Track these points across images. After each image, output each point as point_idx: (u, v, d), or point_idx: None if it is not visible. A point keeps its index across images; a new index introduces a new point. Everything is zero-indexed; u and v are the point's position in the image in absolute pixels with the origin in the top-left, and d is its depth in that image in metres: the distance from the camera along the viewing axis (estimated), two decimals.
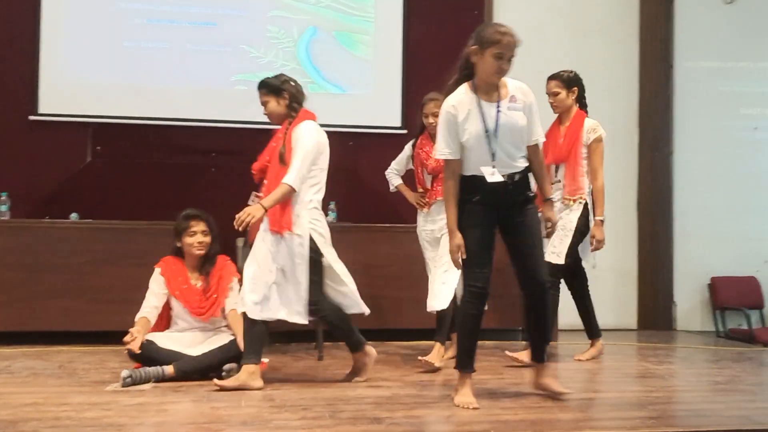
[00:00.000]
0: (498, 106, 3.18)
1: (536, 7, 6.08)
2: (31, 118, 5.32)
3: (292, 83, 3.85)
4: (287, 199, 3.55)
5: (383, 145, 5.67)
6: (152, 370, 3.54)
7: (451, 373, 3.79)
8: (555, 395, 3.28)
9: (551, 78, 4.42)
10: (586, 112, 4.43)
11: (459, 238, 3.17)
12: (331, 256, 3.67)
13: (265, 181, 3.72)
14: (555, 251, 4.21)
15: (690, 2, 6.26)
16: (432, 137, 4.37)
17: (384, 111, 5.72)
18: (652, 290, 6.08)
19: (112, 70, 5.41)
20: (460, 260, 3.17)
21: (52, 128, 5.35)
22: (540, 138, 3.32)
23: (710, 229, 6.18)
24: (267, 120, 5.49)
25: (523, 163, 3.24)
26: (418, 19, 5.78)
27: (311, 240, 3.58)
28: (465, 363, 3.21)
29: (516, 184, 3.21)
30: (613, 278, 5.85)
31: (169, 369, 3.56)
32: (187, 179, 5.49)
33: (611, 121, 6.12)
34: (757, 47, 6.31)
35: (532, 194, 3.30)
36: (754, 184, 6.24)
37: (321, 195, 3.71)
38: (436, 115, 4.30)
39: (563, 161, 4.34)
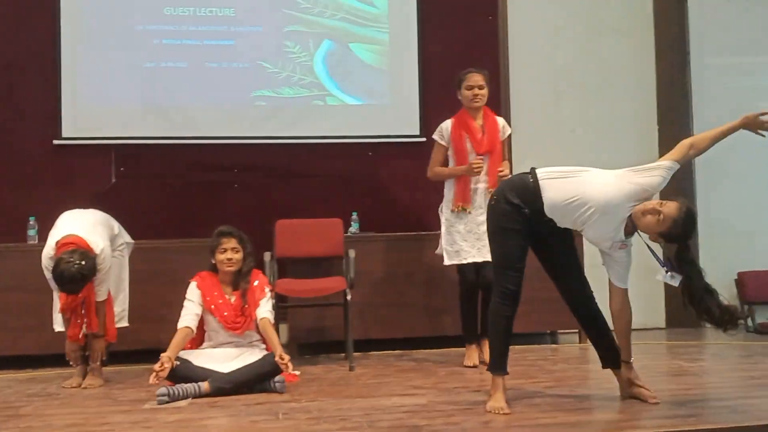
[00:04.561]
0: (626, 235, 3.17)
1: (550, 9, 6.09)
2: (56, 142, 5.39)
3: None
4: None
5: (403, 153, 5.70)
6: (188, 386, 3.56)
7: (486, 378, 3.81)
8: (645, 401, 3.22)
9: (478, 72, 4.33)
10: None
11: None
12: None
13: None
14: None
15: None
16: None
17: (402, 120, 5.73)
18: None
19: (132, 91, 5.47)
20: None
21: (76, 151, 5.41)
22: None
23: (735, 224, 6.13)
24: (286, 134, 5.60)
25: None
26: (433, 27, 5.80)
27: None
28: (498, 365, 3.21)
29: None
30: (639, 277, 5.79)
31: (204, 385, 3.59)
32: (211, 196, 5.53)
33: (631, 120, 6.15)
34: None
35: None
36: None
37: None
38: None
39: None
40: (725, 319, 3.08)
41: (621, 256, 3.19)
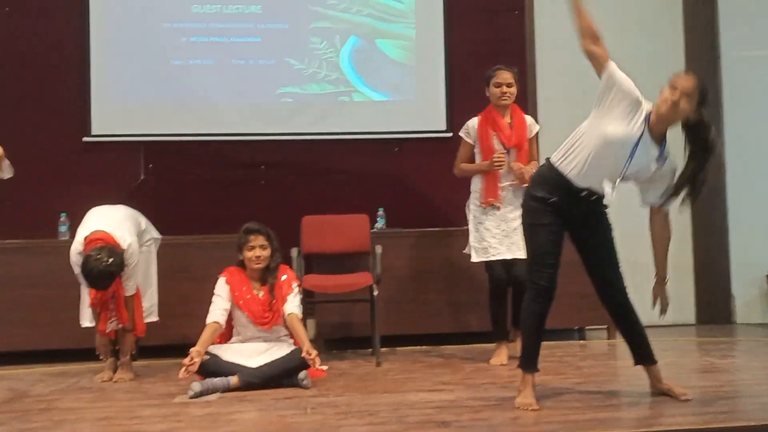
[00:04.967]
0: (660, 149, 3.06)
1: None
2: (85, 139, 5.46)
3: None
4: None
5: (429, 149, 5.69)
6: (218, 381, 3.59)
7: (513, 375, 3.79)
8: (676, 398, 3.17)
9: (507, 69, 4.33)
10: None
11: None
12: None
13: None
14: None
15: None
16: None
17: (428, 115, 5.72)
18: (710, 284, 5.97)
19: (160, 88, 5.51)
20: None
21: (106, 148, 5.48)
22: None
23: (766, 219, 6.04)
24: (313, 131, 5.62)
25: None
26: (459, 22, 5.77)
27: None
28: (528, 362, 3.19)
29: (597, 199, 3.18)
30: (669, 274, 5.72)
31: (233, 380, 3.62)
32: (238, 193, 5.56)
33: None
34: None
35: (606, 207, 3.26)
36: None
37: None
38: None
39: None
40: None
41: (666, 170, 3.10)
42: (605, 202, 3.19)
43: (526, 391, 3.14)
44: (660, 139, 3.07)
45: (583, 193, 3.14)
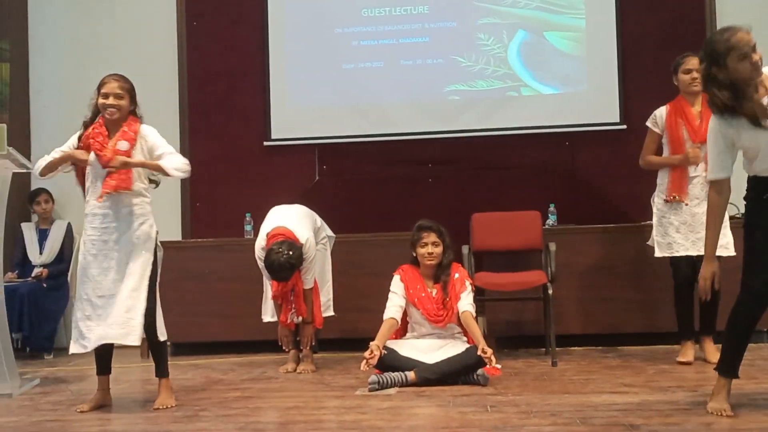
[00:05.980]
0: None
1: None
2: (265, 143, 5.77)
3: None
4: None
5: (602, 142, 5.52)
6: (396, 375, 3.68)
7: (701, 378, 3.60)
8: None
9: (697, 56, 4.03)
10: None
11: (714, 266, 2.96)
12: None
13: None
14: (722, 244, 3.67)
15: None
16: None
17: (601, 107, 5.52)
18: None
19: (333, 92, 5.73)
20: (709, 290, 2.97)
21: (283, 152, 5.77)
22: None
23: None
24: (481, 127, 5.61)
25: None
26: (633, 8, 5.53)
27: None
28: (728, 367, 2.98)
29: None
30: None
31: (411, 375, 3.69)
32: (407, 191, 5.66)
33: None
34: None
35: None
36: None
37: None
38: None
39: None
40: None
41: None
42: None
43: (721, 395, 2.96)
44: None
45: None
